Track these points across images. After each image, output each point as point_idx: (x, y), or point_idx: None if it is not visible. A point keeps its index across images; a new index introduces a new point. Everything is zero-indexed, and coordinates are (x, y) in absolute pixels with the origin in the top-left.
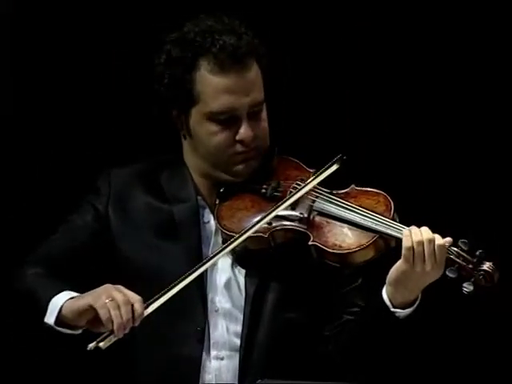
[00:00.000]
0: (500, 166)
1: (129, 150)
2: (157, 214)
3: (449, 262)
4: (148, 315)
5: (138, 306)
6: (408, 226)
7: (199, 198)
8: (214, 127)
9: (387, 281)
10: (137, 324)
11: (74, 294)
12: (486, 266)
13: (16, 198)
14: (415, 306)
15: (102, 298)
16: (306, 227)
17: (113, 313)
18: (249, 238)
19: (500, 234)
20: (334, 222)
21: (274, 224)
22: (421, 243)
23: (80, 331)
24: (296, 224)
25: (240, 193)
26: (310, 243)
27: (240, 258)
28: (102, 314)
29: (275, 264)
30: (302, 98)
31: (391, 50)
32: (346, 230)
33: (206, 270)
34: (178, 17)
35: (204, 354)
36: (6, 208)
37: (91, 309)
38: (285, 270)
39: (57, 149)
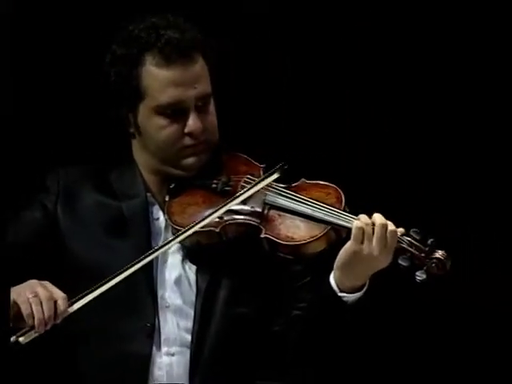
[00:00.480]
0: (451, 158)
1: (77, 149)
2: (106, 211)
3: (401, 251)
4: (83, 311)
5: (61, 303)
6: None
7: (148, 194)
8: (162, 121)
9: (335, 265)
10: (59, 321)
11: None
12: (439, 254)
13: None
14: (363, 291)
15: (25, 293)
16: (257, 221)
17: (34, 308)
18: (200, 232)
19: (450, 225)
20: (285, 214)
21: (225, 218)
22: (372, 224)
23: None
24: (247, 218)
25: (190, 189)
26: (262, 236)
27: (191, 253)
28: (24, 308)
29: (227, 259)
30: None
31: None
32: (297, 222)
33: (155, 266)
34: None
35: (154, 349)
36: None
37: (14, 304)
38: (236, 264)
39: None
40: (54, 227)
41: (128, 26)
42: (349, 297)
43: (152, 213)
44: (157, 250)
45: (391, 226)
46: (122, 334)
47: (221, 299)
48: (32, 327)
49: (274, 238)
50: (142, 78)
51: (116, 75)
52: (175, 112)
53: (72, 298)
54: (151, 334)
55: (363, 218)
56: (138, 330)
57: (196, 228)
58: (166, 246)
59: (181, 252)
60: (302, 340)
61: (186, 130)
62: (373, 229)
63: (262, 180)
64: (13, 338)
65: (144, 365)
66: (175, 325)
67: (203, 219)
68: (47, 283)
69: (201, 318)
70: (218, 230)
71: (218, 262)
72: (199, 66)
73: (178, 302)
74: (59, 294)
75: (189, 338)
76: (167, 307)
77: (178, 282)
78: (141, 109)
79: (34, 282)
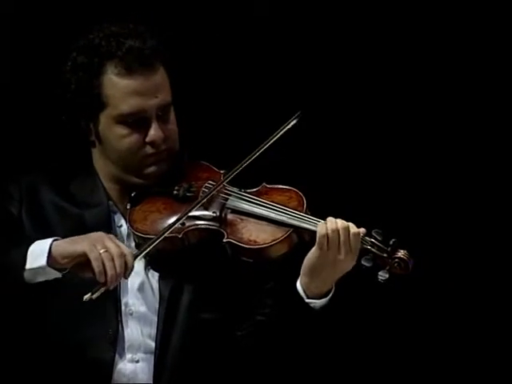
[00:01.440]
0: (410, 157)
1: (34, 155)
2: (68, 220)
3: (363, 252)
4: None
5: (130, 259)
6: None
7: (110, 203)
8: (123, 130)
9: (301, 271)
10: (127, 278)
11: (52, 238)
12: (401, 253)
13: None
14: (329, 296)
15: (96, 248)
16: (219, 225)
17: (107, 265)
18: (163, 239)
19: (411, 225)
20: (247, 218)
21: (187, 224)
22: (336, 230)
23: (60, 275)
24: (209, 223)
25: (151, 196)
26: (224, 240)
27: (153, 260)
28: (96, 266)
29: (190, 265)
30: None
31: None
32: (260, 225)
33: None
34: None
35: (117, 356)
36: None
37: (83, 255)
38: (199, 270)
39: None
40: (17, 232)
41: (88, 34)
42: (316, 303)
43: (114, 220)
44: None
45: (354, 229)
46: (84, 340)
47: (184, 306)
48: (104, 284)
49: (237, 242)
50: (103, 87)
51: (76, 83)
52: (136, 121)
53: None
54: (114, 341)
55: (329, 223)
56: (100, 336)
57: (163, 237)
58: (140, 256)
59: (143, 259)
60: (266, 342)
61: (148, 140)
62: (337, 233)
63: (279, 132)
64: (87, 296)
65: (106, 371)
66: (139, 332)
67: (169, 227)
68: (113, 237)
69: (164, 324)
70: (180, 236)
71: (181, 269)
72: (160, 75)
73: (142, 308)
74: (127, 249)
75: (153, 344)
76: (131, 314)
77: (141, 289)
78: (101, 118)
79: (102, 234)
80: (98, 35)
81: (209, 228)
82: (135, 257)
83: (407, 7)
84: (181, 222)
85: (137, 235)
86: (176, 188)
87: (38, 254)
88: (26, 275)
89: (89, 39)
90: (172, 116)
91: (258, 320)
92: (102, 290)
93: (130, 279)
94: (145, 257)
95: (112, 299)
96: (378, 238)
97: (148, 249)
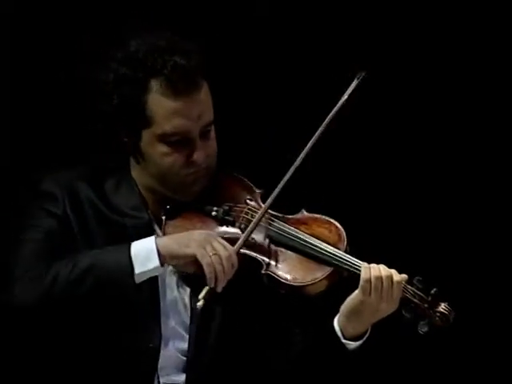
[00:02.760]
0: (451, 204)
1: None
2: (109, 225)
3: (404, 301)
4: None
5: (235, 259)
6: (359, 258)
7: (149, 211)
8: (165, 149)
9: (341, 311)
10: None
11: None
12: (442, 307)
13: None
14: (364, 338)
15: (206, 251)
16: (259, 255)
17: (217, 269)
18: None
19: (452, 273)
20: (288, 251)
21: None
22: (379, 278)
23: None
24: (249, 250)
25: (188, 211)
26: (262, 272)
27: (185, 276)
28: (208, 271)
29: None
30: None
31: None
32: (300, 261)
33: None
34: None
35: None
36: None
37: (193, 257)
38: (233, 291)
39: None
40: (70, 232)
41: (129, 43)
42: (351, 344)
43: (154, 231)
44: None
45: (396, 277)
46: (129, 352)
47: (214, 324)
48: (213, 287)
49: (275, 276)
50: (148, 105)
51: (119, 98)
52: (179, 140)
53: None
54: (155, 358)
55: (372, 269)
56: (142, 352)
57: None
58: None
59: (176, 273)
60: (297, 371)
61: (192, 159)
62: (380, 281)
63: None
64: (199, 304)
65: None
66: (173, 347)
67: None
68: (218, 236)
69: (195, 342)
70: None
71: None
72: (204, 93)
73: (173, 323)
74: (231, 248)
75: (184, 360)
76: (166, 330)
77: (173, 303)
78: (144, 134)
79: (208, 234)
80: (140, 48)
81: (248, 255)
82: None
83: (407, 6)
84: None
85: None
86: (215, 209)
87: (145, 255)
88: (136, 279)
89: (131, 51)
90: (213, 133)
91: (290, 342)
92: (210, 291)
93: (162, 292)
94: (177, 272)
95: (154, 314)
96: (420, 287)
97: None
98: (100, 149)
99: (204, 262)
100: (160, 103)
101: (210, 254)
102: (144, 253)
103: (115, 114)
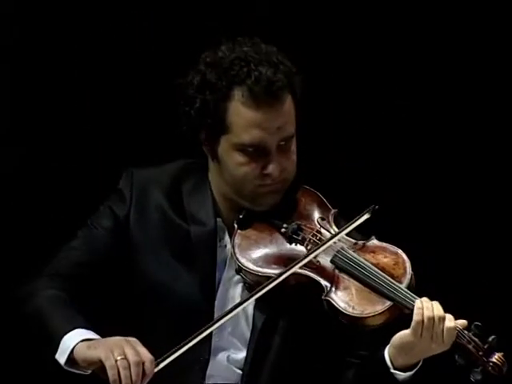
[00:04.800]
0: None
1: (153, 151)
2: (173, 231)
3: (458, 346)
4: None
5: (148, 366)
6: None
7: (218, 219)
8: (241, 158)
9: (391, 343)
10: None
11: (85, 335)
12: (495, 357)
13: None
14: (415, 370)
15: (113, 355)
16: (321, 279)
17: (122, 373)
18: (263, 276)
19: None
20: (351, 280)
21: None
22: (431, 319)
23: (87, 372)
24: (313, 273)
25: (259, 223)
26: (323, 297)
27: (251, 288)
28: (111, 374)
29: (285, 301)
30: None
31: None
32: (362, 291)
33: (217, 296)
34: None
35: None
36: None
37: (99, 362)
38: (294, 308)
39: (69, 150)
40: (124, 239)
41: (219, 47)
42: (400, 375)
43: (221, 239)
44: (235, 307)
45: (450, 322)
46: (177, 364)
47: (275, 339)
48: None
49: (335, 304)
50: (228, 113)
51: (202, 102)
52: (256, 151)
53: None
54: (204, 368)
55: (426, 305)
56: (193, 362)
57: (269, 287)
58: (242, 306)
59: (241, 284)
60: None
61: (266, 172)
62: (432, 322)
63: (351, 223)
64: None
65: None
66: (225, 357)
67: (278, 276)
68: (136, 342)
69: (253, 355)
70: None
71: (276, 302)
72: (287, 107)
73: (232, 336)
74: (147, 356)
75: (236, 371)
76: (219, 340)
77: (235, 316)
78: (222, 141)
79: (121, 339)
80: (229, 55)
81: (311, 277)
82: (157, 364)
83: (407, 6)
84: (284, 277)
85: (237, 263)
86: (285, 226)
87: (63, 349)
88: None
89: (219, 57)
90: (293, 146)
91: (348, 365)
92: None
93: (227, 304)
94: (243, 282)
95: (207, 323)
96: (477, 333)
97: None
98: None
99: (107, 364)
100: (240, 113)
101: (117, 357)
102: (65, 346)
103: (196, 117)
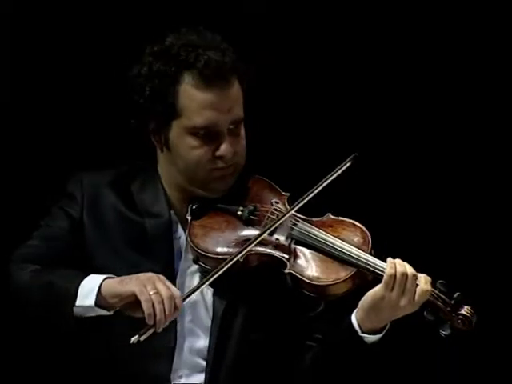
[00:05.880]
0: (471, 206)
1: (100, 154)
2: (129, 226)
3: (426, 303)
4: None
5: (179, 301)
6: (384, 261)
7: (172, 212)
8: (194, 141)
9: (359, 305)
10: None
11: (103, 275)
12: (464, 310)
13: None
14: (383, 333)
15: (147, 289)
16: (282, 254)
17: (157, 307)
18: (222, 260)
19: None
20: (312, 251)
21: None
22: (404, 274)
23: (112, 312)
24: (273, 250)
25: (213, 211)
26: (286, 271)
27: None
28: (146, 307)
29: (246, 286)
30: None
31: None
32: (324, 261)
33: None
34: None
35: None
36: None
37: (133, 295)
38: (255, 292)
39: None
40: (80, 237)
41: (165, 39)
42: (369, 338)
43: (175, 232)
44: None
45: (426, 285)
46: (145, 352)
47: (236, 325)
48: (152, 326)
49: (299, 275)
50: (179, 97)
51: (151, 90)
52: (208, 134)
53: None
54: (171, 357)
55: (398, 265)
56: (160, 349)
57: (229, 265)
58: (203, 286)
59: (199, 274)
60: (317, 369)
61: (218, 154)
62: (405, 278)
63: (334, 173)
64: (134, 338)
65: None
66: (187, 348)
67: (238, 253)
68: (165, 278)
69: (216, 343)
70: (241, 260)
71: (237, 288)
72: (235, 90)
73: (192, 324)
74: (177, 292)
75: (200, 361)
76: (181, 329)
77: (194, 304)
78: (173, 126)
79: (151, 275)
80: (176, 43)
81: (271, 255)
82: (184, 298)
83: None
84: (244, 253)
85: (196, 251)
86: (241, 209)
87: (88, 291)
88: (77, 311)
89: (166, 46)
90: (242, 131)
91: (310, 345)
92: (151, 331)
93: (183, 292)
94: (201, 272)
95: None
96: (443, 290)
97: (202, 286)
98: (128, 146)
99: (142, 298)
100: (191, 95)
101: (150, 292)
102: (87, 288)
103: (147, 106)
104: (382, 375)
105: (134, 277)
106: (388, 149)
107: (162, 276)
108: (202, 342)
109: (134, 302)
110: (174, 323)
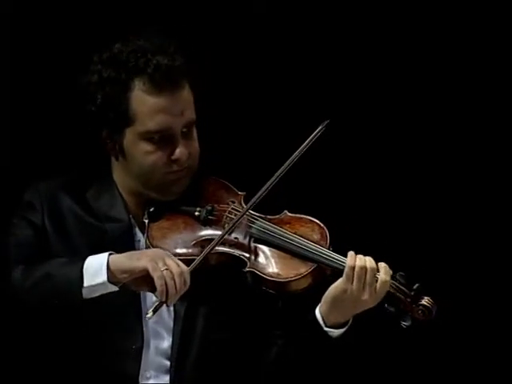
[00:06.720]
0: (435, 195)
1: (53, 161)
2: (89, 230)
3: (387, 295)
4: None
5: (187, 277)
6: (342, 255)
7: (130, 216)
8: (148, 147)
9: (323, 300)
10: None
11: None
12: (425, 300)
13: None
14: (346, 327)
15: (158, 265)
16: (242, 253)
17: (169, 283)
18: (182, 260)
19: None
20: (271, 249)
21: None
22: (364, 267)
23: (117, 289)
24: (232, 249)
25: (170, 213)
26: (246, 269)
27: None
28: (159, 284)
29: (206, 285)
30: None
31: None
32: (283, 258)
33: None
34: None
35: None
36: None
37: (146, 272)
38: (216, 291)
39: None
40: (45, 242)
41: (113, 46)
42: (333, 332)
43: (134, 235)
44: None
45: (385, 276)
46: (112, 352)
47: (199, 325)
48: (164, 302)
49: (259, 273)
50: (131, 103)
51: (103, 98)
52: (162, 138)
53: None
54: (138, 357)
55: (358, 259)
56: (127, 350)
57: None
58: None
59: None
60: (281, 366)
61: (173, 157)
62: (365, 271)
63: (309, 142)
64: (149, 315)
65: None
66: (153, 349)
67: (207, 251)
68: (171, 255)
69: (179, 343)
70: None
71: (197, 288)
72: (186, 93)
73: (156, 325)
74: (185, 267)
75: (165, 362)
76: (146, 329)
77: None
78: (127, 133)
79: (160, 251)
80: (124, 49)
81: (230, 254)
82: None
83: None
84: (213, 248)
85: None
86: (198, 209)
87: (95, 270)
88: (85, 292)
89: (114, 53)
90: (195, 133)
91: (272, 341)
92: (162, 307)
93: (147, 295)
94: None
95: (137, 314)
96: (402, 282)
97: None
98: (85, 153)
99: (155, 275)
100: (143, 101)
101: (162, 268)
102: (94, 267)
103: (99, 114)
104: (346, 369)
105: (142, 252)
106: (335, 140)
107: (169, 253)
108: (166, 343)
109: (140, 277)
110: (139, 324)
